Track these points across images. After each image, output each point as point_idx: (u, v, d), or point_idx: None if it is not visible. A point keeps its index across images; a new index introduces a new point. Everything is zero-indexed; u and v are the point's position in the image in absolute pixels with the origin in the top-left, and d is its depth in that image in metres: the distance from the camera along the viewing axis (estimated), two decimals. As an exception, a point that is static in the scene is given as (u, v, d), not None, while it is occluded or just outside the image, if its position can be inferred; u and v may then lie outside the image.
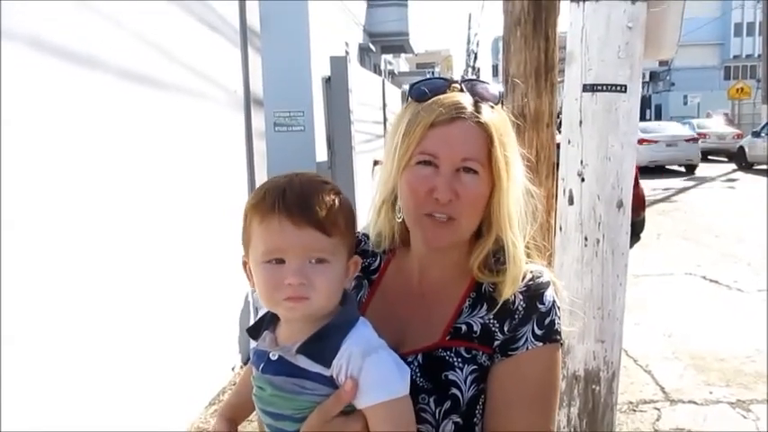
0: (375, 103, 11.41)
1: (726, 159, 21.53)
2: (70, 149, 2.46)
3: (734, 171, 18.32)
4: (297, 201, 0.87)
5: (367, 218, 1.15)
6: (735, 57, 44.21)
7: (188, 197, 3.46)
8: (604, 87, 1.95)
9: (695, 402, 3.74)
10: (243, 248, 0.95)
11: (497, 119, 1.01)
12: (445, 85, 1.03)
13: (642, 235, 7.93)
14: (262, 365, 0.93)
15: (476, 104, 1.00)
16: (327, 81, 8.90)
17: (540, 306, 1.01)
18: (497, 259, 1.04)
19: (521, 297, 1.01)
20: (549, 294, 1.03)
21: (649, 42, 1.98)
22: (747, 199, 12.33)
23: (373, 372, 0.88)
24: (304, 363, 0.89)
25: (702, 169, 18.88)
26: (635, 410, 3.64)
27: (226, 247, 3.99)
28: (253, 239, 0.90)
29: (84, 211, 2.54)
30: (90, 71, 2.61)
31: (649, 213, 8.79)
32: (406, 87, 17.86)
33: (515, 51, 2.54)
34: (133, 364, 2.84)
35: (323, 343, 0.89)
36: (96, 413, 2.55)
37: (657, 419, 3.54)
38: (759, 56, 28.83)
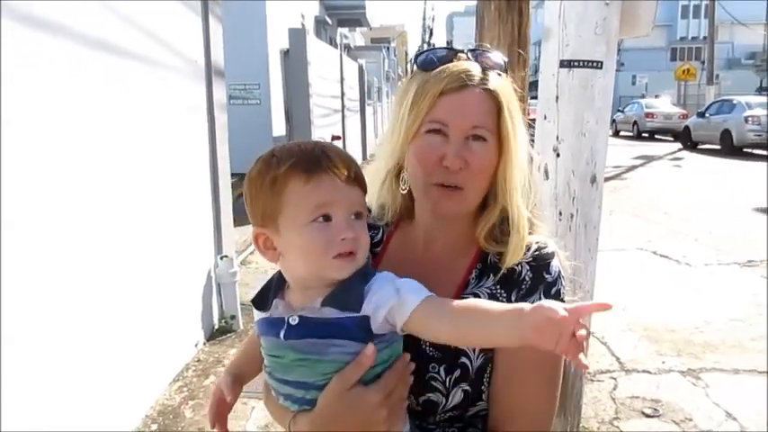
0: (333, 77, 11.29)
1: (672, 139, 22.23)
2: (19, 120, 2.34)
3: (679, 150, 18.94)
4: (340, 159, 0.90)
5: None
6: (681, 38, 45.44)
7: (148, 170, 3.35)
8: (581, 63, 1.97)
9: (649, 372, 3.89)
10: (260, 221, 0.92)
11: (505, 86, 1.01)
12: (452, 53, 1.02)
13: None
14: (282, 332, 0.91)
15: (484, 72, 1.00)
16: (285, 53, 8.74)
17: (546, 276, 1.02)
18: (502, 230, 1.04)
19: (527, 267, 1.02)
20: (554, 264, 1.04)
21: (625, 20, 2.01)
22: (693, 177, 12.78)
23: (409, 284, 0.92)
24: (332, 314, 0.89)
25: (650, 148, 19.47)
26: (593, 380, 3.76)
27: (187, 221, 3.91)
28: (291, 203, 0.89)
29: (36, 183, 2.44)
30: (43, 35, 2.48)
31: (602, 190, 9.02)
32: (363, 62, 17.64)
33: (489, 26, 2.54)
34: (95, 342, 2.76)
35: (347, 292, 0.89)
36: (58, 392, 2.48)
37: (614, 388, 3.67)
38: (705, 38, 29.68)
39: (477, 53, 1.02)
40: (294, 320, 0.90)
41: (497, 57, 1.03)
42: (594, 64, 1.98)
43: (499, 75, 1.01)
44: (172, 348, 3.66)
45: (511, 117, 0.99)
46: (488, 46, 1.07)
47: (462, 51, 1.03)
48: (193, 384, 3.56)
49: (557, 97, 2.02)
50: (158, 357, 3.45)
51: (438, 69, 0.99)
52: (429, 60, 1.02)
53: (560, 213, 2.05)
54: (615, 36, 2.00)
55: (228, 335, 4.27)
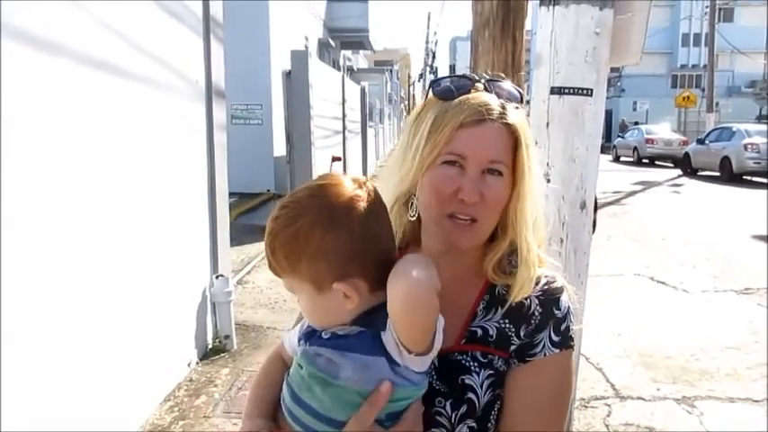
0: (335, 99, 11.37)
1: (672, 165, 22.31)
2: (21, 137, 2.37)
3: (679, 176, 18.98)
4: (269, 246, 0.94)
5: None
6: (682, 66, 45.82)
7: (145, 189, 3.37)
8: (572, 90, 1.99)
9: (643, 399, 3.86)
10: None
11: (522, 121, 1.01)
12: (469, 83, 1.02)
13: (593, 236, 8.13)
14: (310, 341, 0.93)
15: (502, 105, 0.99)
16: (288, 75, 8.81)
17: (556, 312, 1.02)
18: (510, 261, 1.03)
19: (536, 302, 1.02)
20: (564, 299, 1.04)
21: (615, 49, 2.04)
22: (692, 203, 12.80)
23: None
24: (356, 329, 0.90)
25: (650, 174, 19.52)
26: (587, 407, 3.74)
27: (184, 240, 3.92)
28: None
29: (33, 201, 2.45)
30: (47, 56, 2.52)
31: (600, 216, 9.03)
32: (366, 84, 17.76)
33: (484, 52, 2.58)
34: (87, 358, 2.76)
35: (377, 314, 0.89)
36: (47, 410, 2.47)
37: (608, 415, 3.64)
38: (704, 66, 29.92)
39: (493, 84, 1.02)
40: (326, 335, 0.92)
41: (513, 88, 1.03)
42: (585, 91, 2.00)
43: (516, 108, 1.01)
44: (164, 367, 3.65)
45: (527, 152, 0.99)
46: (503, 75, 1.07)
47: (479, 81, 1.02)
48: (184, 404, 3.54)
49: (547, 123, 2.04)
50: (150, 376, 3.44)
51: (457, 100, 0.98)
52: (447, 90, 1.01)
53: (550, 239, 2.07)
54: (605, 64, 2.03)
55: (222, 355, 4.25)
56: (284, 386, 0.97)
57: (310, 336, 0.94)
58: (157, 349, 3.53)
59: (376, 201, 0.92)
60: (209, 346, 4.29)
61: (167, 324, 3.68)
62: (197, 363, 4.10)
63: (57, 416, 2.53)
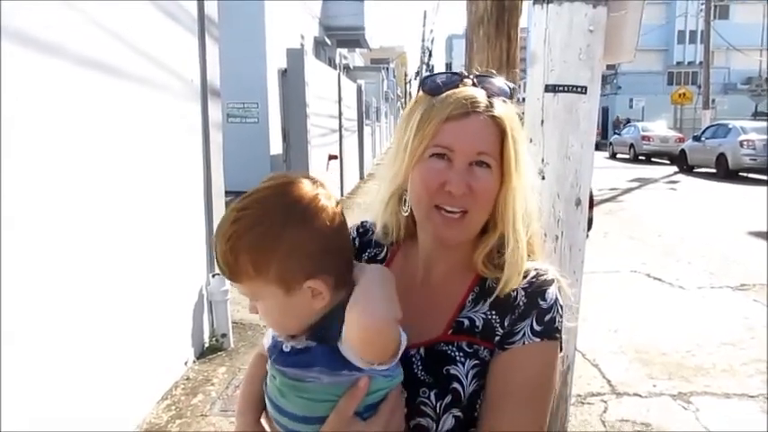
0: (331, 97, 11.35)
1: (668, 162, 22.35)
2: (20, 137, 2.36)
3: (675, 173, 19.02)
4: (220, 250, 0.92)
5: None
6: (678, 63, 45.92)
7: (141, 188, 3.37)
8: (566, 88, 2.00)
9: (640, 395, 3.88)
10: None
11: (510, 113, 1.01)
12: (458, 79, 1.02)
13: (590, 233, 8.13)
14: (274, 356, 0.94)
15: (489, 98, 1.00)
16: (284, 73, 8.80)
17: (541, 302, 1.00)
18: (501, 254, 1.03)
19: (522, 293, 1.01)
20: (551, 292, 1.02)
21: (608, 46, 2.04)
22: (688, 200, 12.83)
23: None
24: (311, 344, 0.90)
25: (646, 171, 19.55)
26: (583, 403, 3.75)
27: (180, 239, 3.92)
28: None
29: (33, 201, 2.45)
30: (46, 56, 2.51)
31: (596, 213, 9.05)
32: (362, 83, 17.71)
33: (478, 50, 2.58)
34: (84, 357, 2.76)
35: (328, 321, 0.89)
36: (42, 410, 2.47)
37: (604, 411, 3.65)
38: (700, 63, 29.97)
39: (482, 79, 1.02)
40: (287, 348, 0.92)
41: (503, 83, 1.03)
42: (579, 89, 2.01)
43: (504, 102, 1.01)
44: (161, 366, 3.65)
45: (514, 144, 0.99)
46: (494, 72, 1.07)
47: (468, 77, 1.03)
48: (181, 403, 3.55)
49: (542, 121, 2.05)
50: (147, 375, 3.44)
51: (444, 95, 0.99)
52: (435, 86, 1.02)
53: (545, 235, 2.07)
54: (599, 62, 2.03)
55: (219, 353, 4.26)
56: (266, 400, 0.98)
57: (276, 347, 0.95)
58: (154, 348, 3.53)
59: (332, 198, 0.93)
60: (206, 345, 4.30)
61: (164, 323, 3.68)
62: (194, 361, 4.10)
63: (55, 416, 2.53)
